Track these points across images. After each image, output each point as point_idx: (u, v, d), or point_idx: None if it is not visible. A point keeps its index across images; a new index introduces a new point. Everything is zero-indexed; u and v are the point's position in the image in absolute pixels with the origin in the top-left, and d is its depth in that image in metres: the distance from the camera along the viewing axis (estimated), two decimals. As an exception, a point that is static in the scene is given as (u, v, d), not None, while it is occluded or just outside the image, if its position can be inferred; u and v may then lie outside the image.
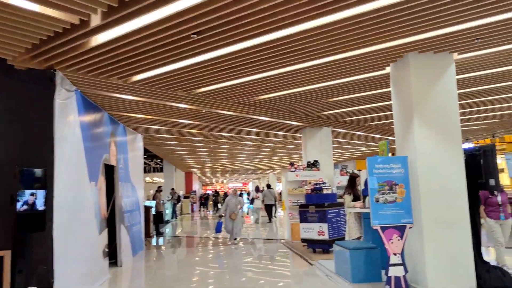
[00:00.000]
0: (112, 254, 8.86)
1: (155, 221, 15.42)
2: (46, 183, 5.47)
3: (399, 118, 6.08)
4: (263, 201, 18.50)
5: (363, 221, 7.15)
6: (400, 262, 5.41)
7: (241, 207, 12.07)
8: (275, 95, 7.97)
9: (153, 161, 27.49)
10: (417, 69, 5.63)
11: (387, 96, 8.22)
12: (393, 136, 14.76)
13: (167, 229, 17.86)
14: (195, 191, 32.02)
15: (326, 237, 8.70)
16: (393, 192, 5.56)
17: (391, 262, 5.42)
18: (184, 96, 7.49)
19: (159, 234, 15.24)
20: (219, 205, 30.81)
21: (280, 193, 38.61)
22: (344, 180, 11.55)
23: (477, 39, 4.99)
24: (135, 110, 8.73)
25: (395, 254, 5.44)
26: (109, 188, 8.82)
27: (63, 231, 5.76)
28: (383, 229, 5.51)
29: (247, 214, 20.83)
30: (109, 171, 8.84)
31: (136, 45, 4.86)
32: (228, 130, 12.18)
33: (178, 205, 24.55)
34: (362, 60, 5.93)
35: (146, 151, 22.14)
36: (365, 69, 6.37)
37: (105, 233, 7.95)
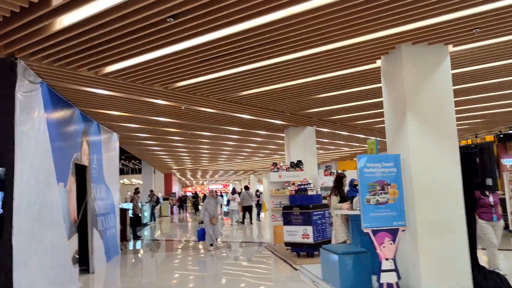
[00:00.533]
0: (84, 260, 8.29)
1: (132, 224, 14.80)
2: (5, 184, 4.92)
3: (391, 114, 5.75)
4: (240, 202, 18.45)
5: (351, 223, 6.80)
6: (393, 267, 5.06)
7: (221, 206, 11.75)
8: (257, 91, 7.57)
9: (131, 162, 26.72)
10: (411, 62, 5.30)
11: (374, 93, 7.92)
12: (378, 136, 14.61)
13: (145, 232, 17.23)
14: (174, 193, 31.35)
15: (311, 240, 8.32)
16: (385, 193, 5.21)
17: (383, 267, 5.07)
18: (162, 91, 7.01)
19: (136, 237, 14.62)
20: (200, 207, 30.21)
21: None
22: (328, 181, 11.26)
23: (475, 28, 4.69)
24: (109, 106, 8.18)
25: (387, 259, 5.08)
26: (81, 190, 8.26)
27: (25, 236, 5.21)
28: (374, 232, 5.15)
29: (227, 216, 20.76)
30: (81, 172, 8.27)
31: (106, 30, 4.37)
32: (208, 129, 11.70)
33: (157, 207, 23.88)
34: (351, 52, 5.57)
35: (124, 152, 21.45)
36: (354, 62, 6.01)
37: (75, 238, 7.38)
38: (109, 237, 9.94)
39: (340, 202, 7.30)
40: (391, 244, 5.11)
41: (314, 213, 8.45)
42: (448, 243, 5.10)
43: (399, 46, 5.37)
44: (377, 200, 5.18)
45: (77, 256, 7.41)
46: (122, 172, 32.09)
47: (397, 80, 5.48)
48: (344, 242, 7.18)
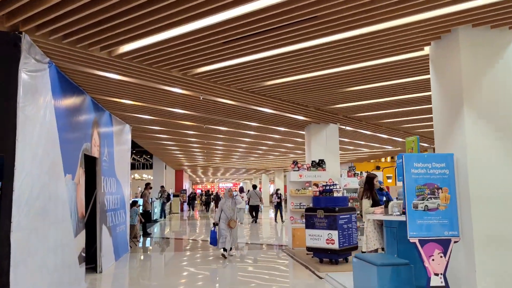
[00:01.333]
0: (91, 258, 7.74)
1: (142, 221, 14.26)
2: (3, 173, 4.35)
3: (442, 108, 5.05)
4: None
5: (386, 230, 6.11)
6: (443, 284, 4.38)
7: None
8: (282, 82, 6.92)
9: (142, 157, 26.26)
10: (469, 48, 4.60)
11: (412, 87, 7.23)
12: (402, 137, 13.85)
13: (155, 229, 16.71)
14: (185, 190, 30.86)
15: (336, 246, 7.65)
16: (435, 198, 4.52)
17: (432, 284, 4.39)
18: (179, 77, 6.39)
19: (146, 234, 14.08)
20: (213, 205, 29.58)
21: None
22: (352, 182, 10.56)
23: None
24: (122, 94, 7.60)
25: (436, 275, 4.40)
26: (90, 183, 7.71)
27: (26, 232, 4.64)
28: (422, 242, 4.47)
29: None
30: (91, 164, 7.72)
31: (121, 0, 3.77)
32: (225, 123, 11.08)
33: (168, 204, 23.36)
34: (396, 36, 4.89)
35: (135, 146, 20.97)
36: (397, 49, 5.33)
37: (82, 235, 6.82)
38: (119, 234, 9.38)
39: (372, 206, 6.62)
40: (441, 257, 4.43)
41: (340, 216, 7.77)
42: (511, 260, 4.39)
43: (455, 29, 4.67)
44: (426, 205, 4.50)
45: (83, 255, 6.84)
46: (133, 166, 31.69)
47: (452, 70, 4.77)
48: (376, 250, 6.49)
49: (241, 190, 19.23)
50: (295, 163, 10.44)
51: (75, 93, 6.66)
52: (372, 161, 25.32)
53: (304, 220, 10.25)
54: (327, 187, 8.38)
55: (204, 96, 7.68)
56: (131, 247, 10.91)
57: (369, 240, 6.44)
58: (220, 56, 5.54)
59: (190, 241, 12.98)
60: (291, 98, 8.20)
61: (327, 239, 7.77)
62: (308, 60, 5.79)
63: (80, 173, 6.73)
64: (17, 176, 4.43)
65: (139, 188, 23.57)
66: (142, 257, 10.27)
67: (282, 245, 11.39)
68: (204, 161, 24.28)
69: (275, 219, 19.58)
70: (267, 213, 27.57)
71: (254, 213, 18.58)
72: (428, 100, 8.18)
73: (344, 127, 11.55)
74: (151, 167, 26.78)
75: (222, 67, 6.03)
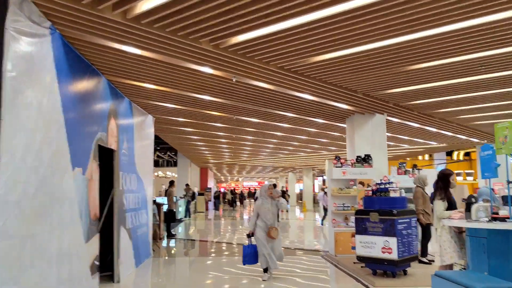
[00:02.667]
0: (107, 265, 6.74)
1: (166, 220, 13.29)
2: (-17, 163, 3.32)
3: None
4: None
5: (469, 240, 4.82)
6: None
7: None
8: (334, 57, 5.71)
9: (166, 154, 25.45)
10: None
11: (495, 61, 5.89)
12: (453, 131, 12.37)
13: (180, 229, 15.75)
14: (210, 188, 29.89)
15: (394, 255, 6.39)
16: None
17: None
18: (210, 51, 5.26)
19: (170, 235, 13.10)
20: (238, 203, 28.43)
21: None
22: (403, 181, 9.21)
23: None
24: (142, 75, 6.54)
25: None
26: (107, 180, 6.71)
27: (16, 241, 3.61)
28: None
29: None
30: (107, 157, 6.72)
31: None
32: (258, 114, 9.92)
33: (192, 202, 22.43)
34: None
35: (158, 142, 20.10)
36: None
37: (95, 240, 5.79)
38: (140, 237, 8.37)
39: (447, 209, 5.33)
40: None
41: (399, 220, 6.50)
42: None
43: None
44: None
45: (97, 263, 5.81)
46: (156, 164, 30.97)
47: None
48: (450, 266, 5.21)
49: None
50: (337, 158, 9.20)
51: (87, 72, 5.63)
52: (408, 159, 23.69)
53: (347, 223, 9.02)
54: (382, 186, 7.11)
55: (237, 78, 6.54)
56: (153, 250, 9.91)
57: (444, 252, 5.16)
58: (257, 21, 4.39)
59: (217, 243, 11.90)
60: (338, 80, 6.98)
61: (383, 248, 6.52)
62: (369, 25, 4.57)
63: (94, 167, 5.71)
64: (2, 167, 3.39)
65: (163, 186, 22.66)
66: (165, 263, 9.24)
67: (318, 250, 10.17)
68: (231, 158, 23.24)
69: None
70: (293, 213, 26.33)
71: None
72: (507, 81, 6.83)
73: (391, 118, 10.21)
74: (175, 164, 25.96)
75: (262, 35, 4.87)
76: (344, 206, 9.02)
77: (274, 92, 7.54)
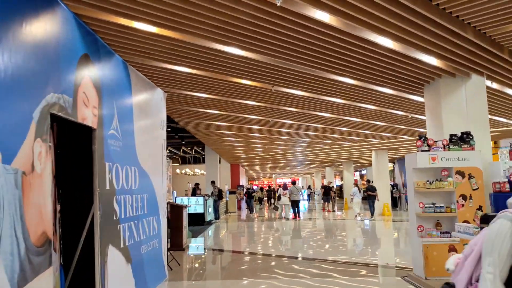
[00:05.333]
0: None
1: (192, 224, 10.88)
2: None
3: None
4: (289, 197, 18.57)
5: None
6: None
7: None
8: None
9: (193, 149, 23.16)
10: None
11: None
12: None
13: (210, 232, 13.33)
14: (242, 186, 27.38)
15: None
16: None
17: None
18: None
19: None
20: (274, 202, 25.31)
21: (333, 190, 33.51)
22: (521, 168, 6.36)
23: None
24: (140, 14, 4.07)
25: None
26: (81, 175, 4.30)
27: None
28: None
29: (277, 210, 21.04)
30: (81, 139, 4.29)
31: None
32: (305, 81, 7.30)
33: (222, 202, 19.99)
34: None
35: (184, 135, 17.78)
36: None
37: (46, 277, 3.34)
38: (146, 255, 5.94)
39: None
40: None
41: None
42: None
43: None
44: None
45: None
46: (183, 161, 28.86)
47: None
48: None
49: (285, 187, 18.88)
50: (423, 138, 6.43)
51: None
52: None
53: (440, 231, 6.28)
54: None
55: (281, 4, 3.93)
56: (171, 269, 7.48)
57: None
58: None
59: (252, 256, 9.33)
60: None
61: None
62: None
63: (38, 152, 3.25)
64: None
65: (189, 184, 20.48)
66: (185, 288, 6.79)
67: (394, 267, 7.45)
68: (264, 152, 20.69)
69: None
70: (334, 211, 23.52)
71: (296, 209, 18.34)
72: None
73: (490, 82, 7.35)
74: (203, 161, 23.68)
75: None
76: (436, 207, 6.26)
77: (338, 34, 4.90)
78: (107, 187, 4.67)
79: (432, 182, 6.29)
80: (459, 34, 5.01)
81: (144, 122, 6.28)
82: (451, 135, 6.45)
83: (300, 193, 19.35)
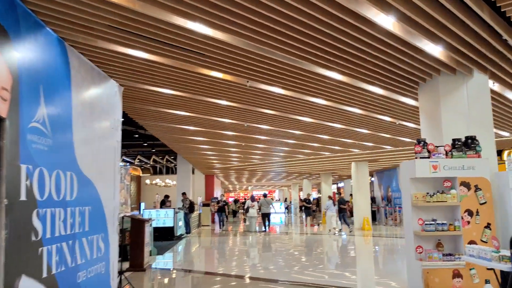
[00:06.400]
0: None
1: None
2: None
3: None
4: (259, 209, 18.61)
5: None
6: None
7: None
8: None
9: (164, 158, 21.85)
10: None
11: None
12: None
13: (179, 248, 12.05)
14: (216, 198, 26.11)
15: None
16: None
17: None
18: None
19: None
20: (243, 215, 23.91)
21: (317, 201, 32.67)
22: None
23: None
24: None
25: None
26: None
27: None
28: None
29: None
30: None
31: None
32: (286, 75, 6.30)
33: (194, 214, 18.70)
34: None
35: (155, 144, 16.56)
36: None
37: None
38: (85, 285, 4.72)
39: None
40: None
41: None
42: None
43: None
44: None
45: None
46: (155, 171, 27.44)
47: None
48: None
49: (253, 199, 18.61)
50: (422, 143, 5.50)
51: None
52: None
53: (442, 252, 5.32)
54: None
55: None
56: (123, 296, 6.26)
57: None
58: None
59: (223, 278, 8.16)
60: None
61: None
62: None
63: None
64: None
65: (157, 196, 19.14)
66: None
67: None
68: (240, 161, 19.60)
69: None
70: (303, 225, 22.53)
71: (266, 221, 18.29)
72: None
73: (492, 82, 6.53)
74: (176, 171, 22.35)
75: None
76: (437, 224, 5.30)
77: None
78: (22, 198, 3.49)
79: (433, 195, 5.35)
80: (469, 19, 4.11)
81: (89, 118, 5.12)
82: (454, 140, 5.54)
83: (271, 206, 19.08)
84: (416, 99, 7.31)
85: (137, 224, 8.93)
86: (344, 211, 17.38)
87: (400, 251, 11.33)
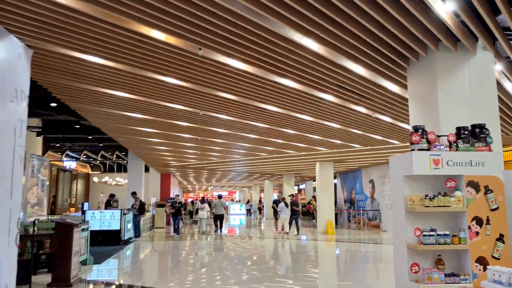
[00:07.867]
0: None
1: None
2: None
3: None
4: (209, 211, 18.79)
5: None
6: None
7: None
8: None
9: (114, 154, 19.93)
10: None
11: None
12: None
13: (127, 252, 10.40)
14: (173, 198, 24.33)
15: None
16: None
17: None
18: None
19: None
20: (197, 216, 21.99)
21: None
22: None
23: None
24: None
25: None
26: None
27: None
28: None
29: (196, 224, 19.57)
30: None
31: None
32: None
33: (146, 216, 16.97)
34: None
35: (103, 138, 14.76)
36: None
37: None
38: None
39: None
40: None
41: None
42: None
43: None
44: None
45: None
46: (104, 168, 25.34)
47: None
48: None
49: (203, 200, 18.28)
50: (420, 131, 4.29)
51: None
52: None
53: (443, 271, 4.14)
54: None
55: None
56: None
57: None
58: None
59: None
60: None
61: None
62: None
63: None
64: None
65: (102, 196, 17.25)
66: None
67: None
68: (198, 159, 18.10)
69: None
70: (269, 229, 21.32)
71: (219, 223, 18.32)
72: None
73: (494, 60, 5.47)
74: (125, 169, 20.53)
75: None
76: (438, 235, 4.11)
77: None
78: None
79: (433, 198, 4.15)
80: None
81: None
82: (458, 129, 4.38)
83: (224, 207, 19.18)
84: (401, 84, 6.18)
85: (63, 230, 7.29)
86: (297, 214, 17.09)
87: (378, 260, 10.25)
